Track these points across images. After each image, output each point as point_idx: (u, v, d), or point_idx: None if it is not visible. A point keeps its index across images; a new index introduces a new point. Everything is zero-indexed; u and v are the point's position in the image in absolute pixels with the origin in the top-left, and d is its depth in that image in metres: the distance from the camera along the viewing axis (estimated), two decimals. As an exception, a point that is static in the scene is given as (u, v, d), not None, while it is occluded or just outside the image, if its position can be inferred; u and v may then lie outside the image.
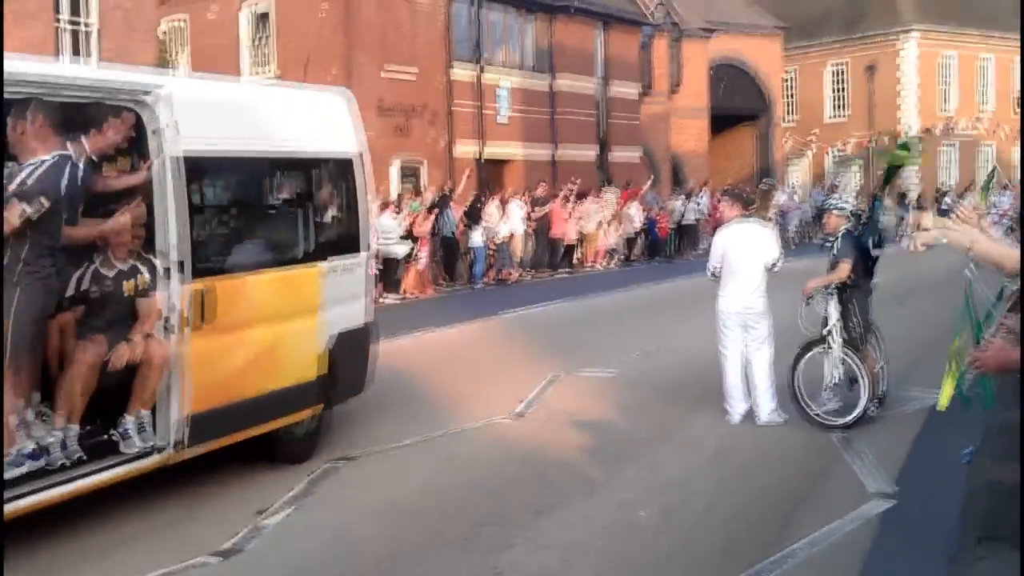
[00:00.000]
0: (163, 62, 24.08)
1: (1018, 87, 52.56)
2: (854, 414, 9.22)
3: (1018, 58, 51.69)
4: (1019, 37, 51.50)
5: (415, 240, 21.83)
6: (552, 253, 26.96)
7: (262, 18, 28.76)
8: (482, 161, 30.42)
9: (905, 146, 10.38)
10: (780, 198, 36.34)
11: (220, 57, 28.93)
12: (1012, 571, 5.62)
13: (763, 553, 6.23)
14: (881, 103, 49.29)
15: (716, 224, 29.15)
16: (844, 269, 9.41)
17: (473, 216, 24.07)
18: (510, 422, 9.98)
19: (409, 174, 28.36)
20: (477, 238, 23.85)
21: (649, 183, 32.87)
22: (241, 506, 7.32)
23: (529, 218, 25.85)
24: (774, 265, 9.60)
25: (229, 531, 6.78)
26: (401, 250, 21.40)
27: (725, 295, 9.71)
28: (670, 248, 30.97)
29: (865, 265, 9.72)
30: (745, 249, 9.63)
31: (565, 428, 9.67)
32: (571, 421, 9.91)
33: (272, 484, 7.83)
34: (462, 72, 30.07)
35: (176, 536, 6.74)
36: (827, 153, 51.10)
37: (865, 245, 9.72)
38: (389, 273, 21.47)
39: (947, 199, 42.39)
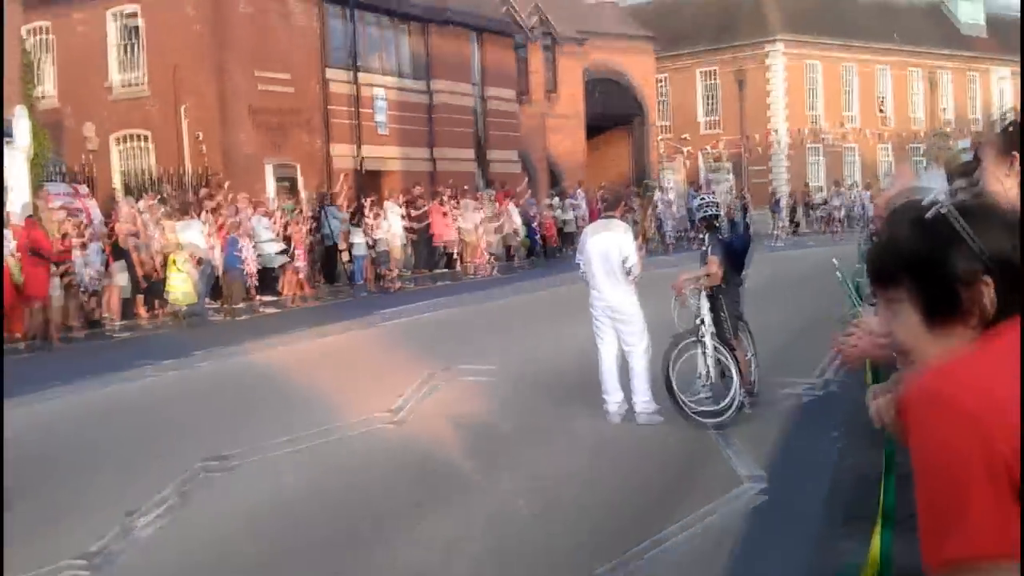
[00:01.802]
0: (27, 67, 23.34)
1: (880, 93, 54.43)
2: (726, 405, 9.37)
3: (878, 68, 53.57)
4: (935, 51, 53.34)
5: (289, 244, 21.59)
6: (432, 256, 26.92)
7: (130, 24, 28.10)
8: (360, 166, 30.25)
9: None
10: (657, 197, 37.01)
11: (87, 64, 28.23)
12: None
13: (637, 541, 6.28)
14: (751, 108, 50.52)
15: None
16: (713, 264, 9.61)
17: (353, 221, 23.95)
18: (388, 423, 9.90)
19: (284, 179, 28.04)
20: (357, 243, 23.71)
21: (524, 184, 33.15)
22: (109, 509, 7.10)
23: (410, 217, 25.78)
24: (625, 261, 9.72)
25: (96, 535, 6.57)
26: (275, 250, 21.14)
27: (592, 291, 9.89)
28: (546, 250, 31.18)
29: (735, 261, 9.96)
30: (602, 248, 9.78)
31: (444, 428, 9.64)
32: (450, 421, 9.88)
33: (141, 487, 7.62)
34: (338, 78, 29.86)
35: (39, 540, 6.52)
36: (700, 155, 52.14)
37: (733, 244, 9.99)
38: (266, 278, 21.21)
39: (819, 197, 43.74)
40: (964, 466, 1.53)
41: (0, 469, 5.66)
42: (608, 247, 9.75)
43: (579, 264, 10.06)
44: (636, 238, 10.43)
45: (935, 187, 4.91)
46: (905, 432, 1.67)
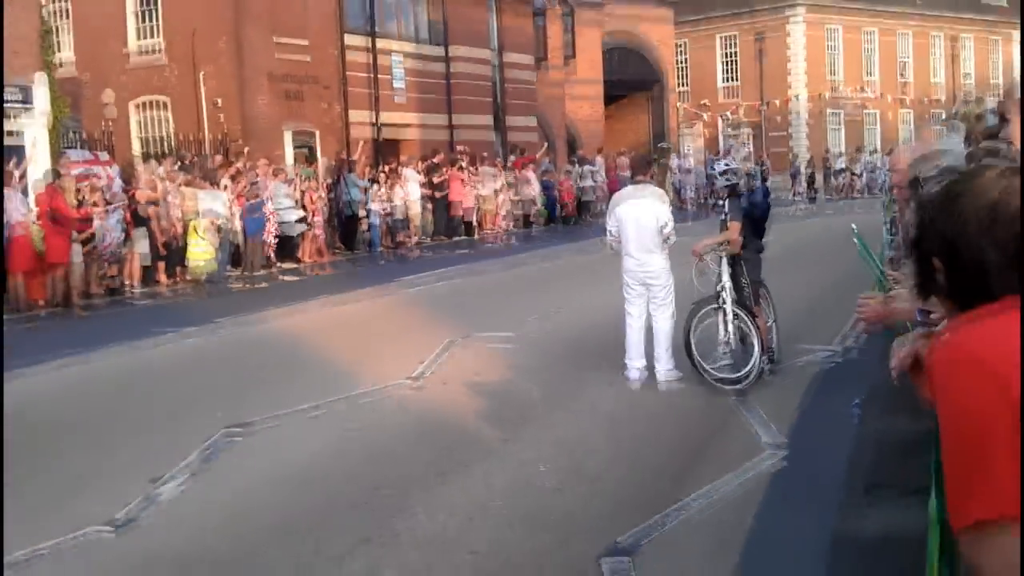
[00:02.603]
0: (46, 33, 23.33)
1: (901, 58, 53.94)
2: (746, 371, 9.36)
3: (900, 33, 53.04)
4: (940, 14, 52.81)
5: (308, 211, 21.62)
6: (450, 221, 26.91)
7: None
8: (378, 130, 30.20)
9: None
10: (675, 163, 36.87)
11: (105, 29, 28.18)
12: (899, 518, 5.81)
13: (659, 508, 6.30)
14: (770, 72, 50.16)
15: (612, 190, 29.72)
16: (734, 229, 9.57)
17: (371, 187, 23.96)
18: (408, 387, 9.94)
19: (302, 144, 28.04)
20: (373, 206, 23.71)
21: (543, 149, 33.06)
22: (134, 476, 7.17)
23: (431, 184, 25.75)
24: (664, 227, 9.69)
25: (122, 501, 6.64)
26: (294, 217, 21.19)
27: (625, 256, 9.86)
28: (565, 217, 31.06)
29: (755, 226, 9.91)
30: (637, 214, 9.75)
31: (464, 392, 9.67)
32: (470, 385, 9.91)
33: (166, 453, 7.68)
34: (355, 43, 29.74)
35: (66, 507, 6.58)
36: (719, 120, 51.86)
37: (754, 206, 9.94)
38: (286, 245, 21.26)
39: (839, 162, 43.56)
40: (989, 425, 1.53)
41: (0, 447, 5.69)
42: (643, 213, 9.71)
43: (609, 231, 10.01)
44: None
45: (954, 150, 4.85)
46: (931, 393, 1.68)
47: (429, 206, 26.09)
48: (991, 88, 50.76)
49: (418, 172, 25.76)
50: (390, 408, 9.20)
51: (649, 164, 11.12)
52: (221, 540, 6.10)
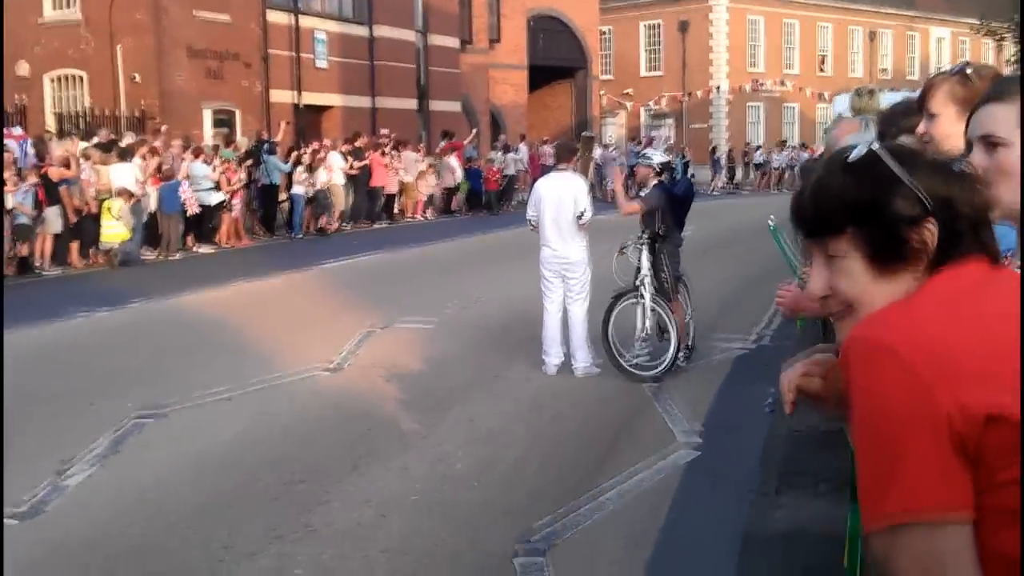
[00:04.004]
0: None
1: (821, 50, 54.69)
2: (664, 364, 9.45)
3: (822, 24, 53.77)
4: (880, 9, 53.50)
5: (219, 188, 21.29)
6: (372, 204, 26.72)
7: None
8: (300, 108, 29.87)
9: None
10: (598, 152, 36.97)
11: (20, -2, 27.44)
12: (810, 511, 5.91)
13: (575, 499, 6.33)
14: (693, 61, 50.53)
15: (535, 177, 29.61)
16: (639, 205, 9.73)
17: (292, 168, 23.64)
18: (327, 374, 9.86)
19: (223, 121, 27.59)
20: (295, 188, 23.41)
21: (472, 135, 32.95)
22: (40, 464, 7.00)
23: (351, 168, 25.50)
24: (580, 215, 9.74)
25: (28, 490, 6.49)
26: (214, 198, 20.85)
27: (543, 246, 9.88)
28: (492, 200, 31.01)
29: (675, 217, 9.99)
30: (556, 199, 9.79)
31: (382, 380, 9.62)
32: (389, 373, 9.86)
33: (74, 440, 7.52)
34: (277, 18, 29.35)
35: (-32, 496, 6.42)
36: (642, 109, 52.13)
37: (675, 195, 10.03)
38: (204, 224, 20.92)
39: (758, 155, 44.13)
40: (902, 420, 1.50)
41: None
42: (562, 200, 9.76)
43: (530, 219, 10.05)
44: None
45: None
46: (844, 387, 1.63)
47: (352, 190, 25.84)
48: (908, 84, 51.65)
49: (341, 155, 25.48)
50: (307, 396, 9.12)
51: (573, 152, 11.17)
52: (129, 529, 5.98)
